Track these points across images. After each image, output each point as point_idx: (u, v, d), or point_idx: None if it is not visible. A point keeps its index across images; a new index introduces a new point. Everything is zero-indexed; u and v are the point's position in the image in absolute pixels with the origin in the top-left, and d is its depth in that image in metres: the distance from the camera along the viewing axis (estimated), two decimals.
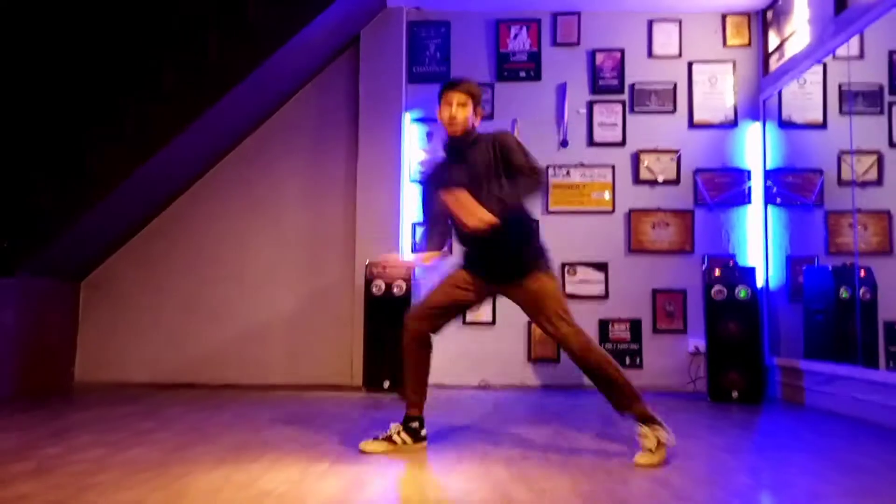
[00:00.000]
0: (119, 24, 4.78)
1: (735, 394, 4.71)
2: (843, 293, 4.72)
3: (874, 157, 5.32)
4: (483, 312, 5.44)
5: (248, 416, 3.85)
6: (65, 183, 4.70)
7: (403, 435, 2.96)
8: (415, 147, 5.59)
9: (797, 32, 4.88)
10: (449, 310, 3.02)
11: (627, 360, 5.34)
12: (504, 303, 5.44)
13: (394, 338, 4.97)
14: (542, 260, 2.95)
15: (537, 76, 5.56)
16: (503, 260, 2.91)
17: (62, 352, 5.31)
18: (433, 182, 3.07)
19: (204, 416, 3.81)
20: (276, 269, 5.52)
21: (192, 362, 5.42)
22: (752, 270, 4.89)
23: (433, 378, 5.29)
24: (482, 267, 2.98)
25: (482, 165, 2.88)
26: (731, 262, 5.08)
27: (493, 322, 5.43)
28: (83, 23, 4.82)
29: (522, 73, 5.57)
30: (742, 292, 4.75)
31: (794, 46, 4.93)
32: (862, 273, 4.84)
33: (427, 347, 3.05)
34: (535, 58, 5.59)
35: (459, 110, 2.91)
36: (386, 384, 4.97)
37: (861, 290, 4.69)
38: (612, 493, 2.26)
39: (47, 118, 4.74)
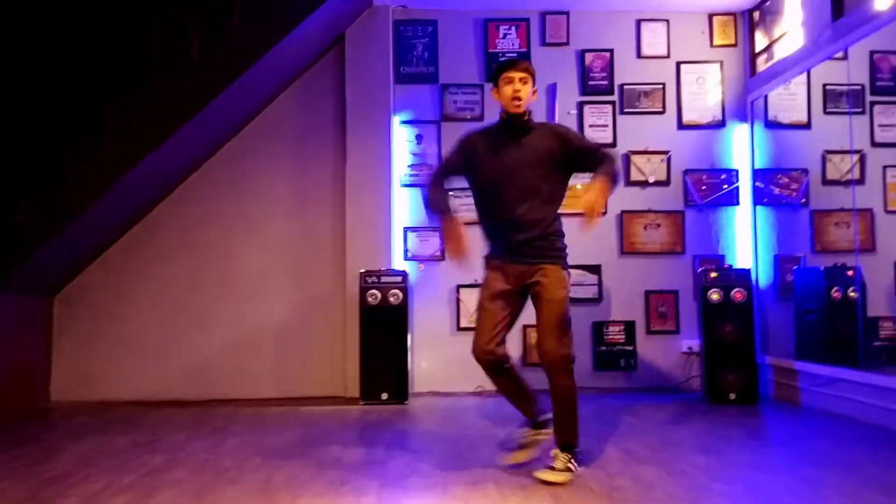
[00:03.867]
0: (100, 30, 4.49)
1: (732, 395, 4.77)
2: (835, 293, 4.82)
3: (857, 157, 5.44)
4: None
5: (253, 441, 3.71)
6: (43, 195, 4.42)
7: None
8: (404, 150, 5.46)
9: (788, 35, 4.92)
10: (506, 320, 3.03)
11: (622, 363, 5.36)
12: None
13: (391, 348, 4.94)
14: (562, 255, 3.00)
15: None
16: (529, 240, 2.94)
17: (36, 372, 5.03)
18: (480, 150, 3.00)
19: (210, 444, 3.65)
20: (263, 277, 5.33)
21: (177, 377, 5.21)
22: (746, 272, 4.95)
23: (428, 385, 5.27)
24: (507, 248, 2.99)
25: (543, 151, 2.91)
26: (727, 266, 5.11)
27: None
28: (63, 28, 4.52)
29: None
30: (738, 295, 4.81)
31: (785, 49, 4.97)
32: (850, 272, 4.97)
33: (505, 370, 3.06)
34: (524, 57, 5.47)
35: (523, 87, 2.90)
36: (384, 395, 4.88)
37: (851, 290, 4.80)
38: None
39: (25, 128, 4.43)
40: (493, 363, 3.02)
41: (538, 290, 2.90)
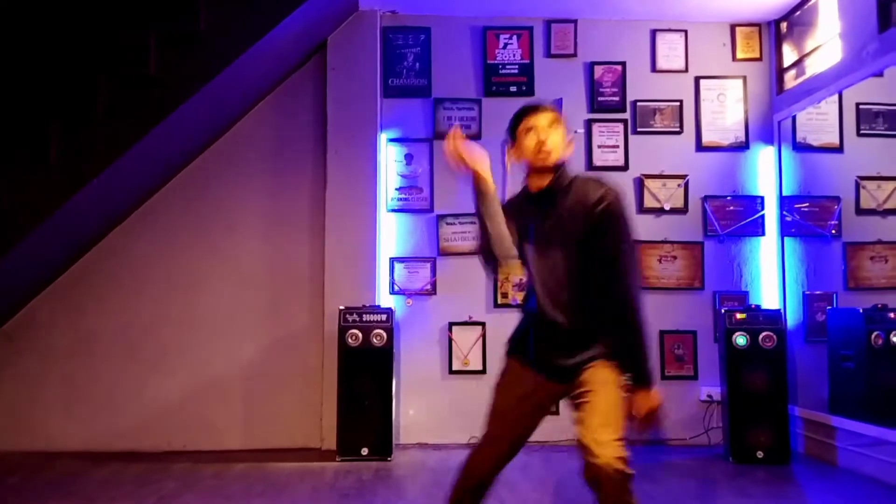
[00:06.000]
0: (42, 36, 3.94)
1: (760, 454, 4.21)
2: (875, 339, 4.27)
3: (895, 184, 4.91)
4: (473, 359, 4.81)
5: None
6: None
7: None
8: (391, 171, 4.90)
9: (823, 48, 4.39)
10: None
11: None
12: (494, 347, 4.84)
13: (373, 396, 4.36)
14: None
15: (529, 91, 4.92)
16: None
17: None
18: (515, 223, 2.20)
19: None
20: (230, 313, 4.74)
21: (132, 425, 4.61)
22: (777, 314, 4.40)
23: (415, 436, 4.71)
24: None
25: (569, 225, 2.11)
26: (754, 306, 4.55)
27: (484, 370, 4.78)
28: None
29: (513, 88, 4.93)
30: (769, 341, 4.25)
31: (819, 64, 4.43)
32: (892, 314, 4.42)
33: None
34: (527, 70, 4.95)
35: (551, 133, 2.13)
36: (364, 451, 4.30)
37: (894, 336, 4.25)
38: None
39: None
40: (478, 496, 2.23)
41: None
